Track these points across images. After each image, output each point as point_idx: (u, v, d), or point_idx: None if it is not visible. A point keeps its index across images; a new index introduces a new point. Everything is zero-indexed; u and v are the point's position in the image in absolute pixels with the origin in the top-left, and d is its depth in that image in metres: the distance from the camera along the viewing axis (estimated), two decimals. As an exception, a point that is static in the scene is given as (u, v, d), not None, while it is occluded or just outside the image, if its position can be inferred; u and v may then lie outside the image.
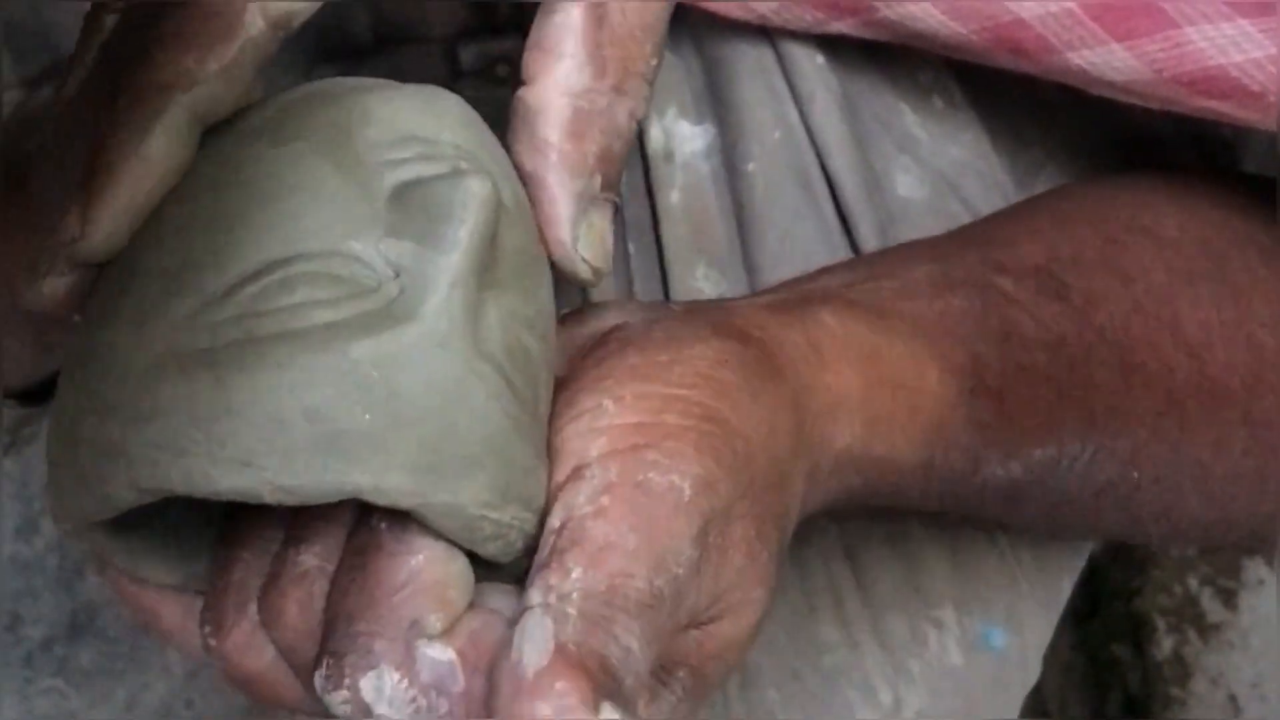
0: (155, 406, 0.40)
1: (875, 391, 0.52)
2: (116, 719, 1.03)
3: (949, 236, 0.62)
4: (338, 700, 0.41)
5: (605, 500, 0.42)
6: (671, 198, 0.67)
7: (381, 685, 0.40)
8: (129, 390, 0.41)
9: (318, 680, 0.41)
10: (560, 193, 0.45)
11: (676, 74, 0.67)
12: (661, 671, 0.44)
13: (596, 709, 0.38)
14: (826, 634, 0.68)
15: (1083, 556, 0.75)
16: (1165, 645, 1.24)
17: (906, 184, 0.70)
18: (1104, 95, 0.63)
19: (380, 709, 0.40)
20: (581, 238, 0.46)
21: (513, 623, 0.42)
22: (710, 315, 0.49)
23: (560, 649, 0.39)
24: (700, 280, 0.68)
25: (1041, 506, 0.60)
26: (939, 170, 0.70)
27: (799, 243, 0.69)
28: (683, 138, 0.67)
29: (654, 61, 0.48)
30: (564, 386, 0.45)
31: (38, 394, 1.03)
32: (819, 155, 0.69)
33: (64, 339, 0.99)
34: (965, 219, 0.70)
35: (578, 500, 0.42)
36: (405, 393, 0.40)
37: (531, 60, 0.47)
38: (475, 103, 0.47)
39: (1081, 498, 0.59)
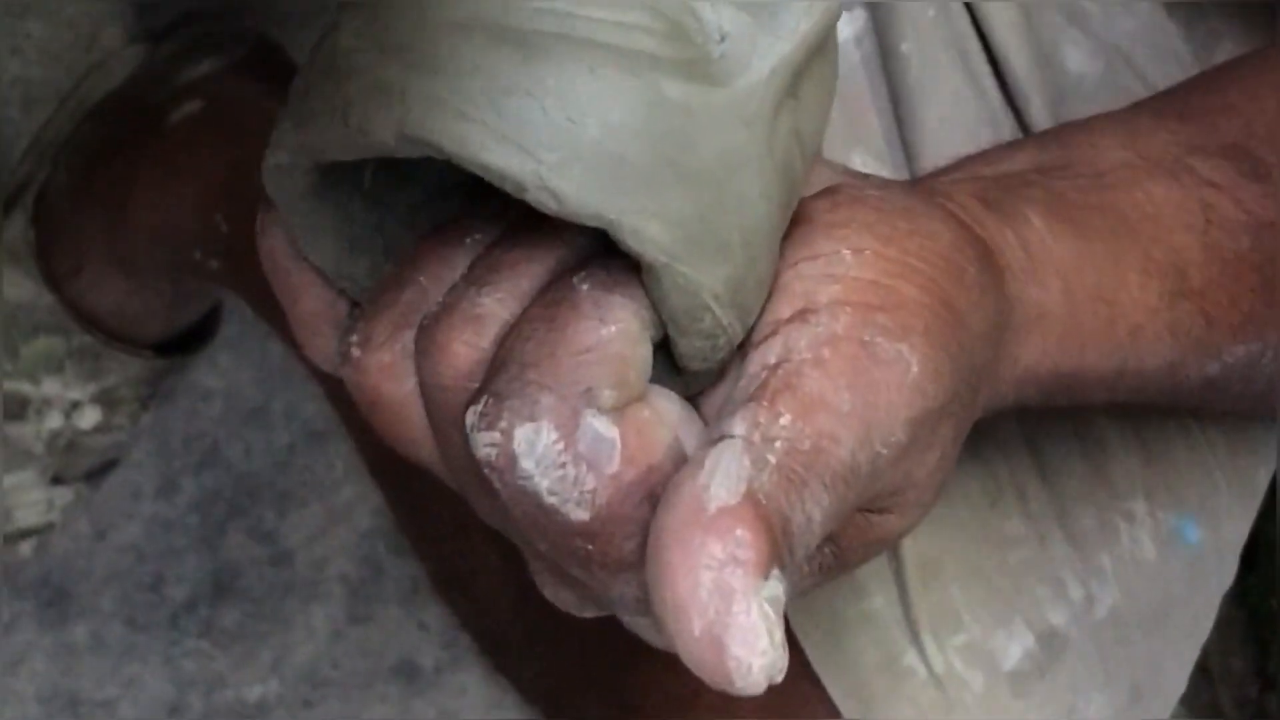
0: (449, 62, 0.39)
1: (1075, 306, 0.49)
2: (263, 680, 1.02)
3: (1135, 112, 0.59)
4: (484, 441, 0.38)
5: (827, 352, 0.39)
6: None
7: (536, 441, 0.38)
8: (424, 38, 0.39)
9: (470, 416, 0.39)
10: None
11: None
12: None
13: (766, 574, 0.36)
14: (1011, 528, 0.66)
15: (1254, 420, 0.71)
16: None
17: (1077, 59, 0.67)
18: None
19: (526, 463, 0.38)
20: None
21: (681, 428, 0.40)
22: (932, 196, 0.47)
23: (750, 495, 0.37)
24: (857, 169, 0.65)
25: (1238, 400, 0.57)
26: (1111, 43, 0.67)
27: (960, 125, 0.66)
28: None
29: None
30: (794, 224, 0.43)
31: (174, 346, 1.03)
32: (980, 31, 0.67)
33: (199, 290, 0.99)
34: (1142, 94, 0.66)
35: (799, 344, 0.40)
36: (697, 150, 0.39)
37: None
38: None
39: None
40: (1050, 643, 0.66)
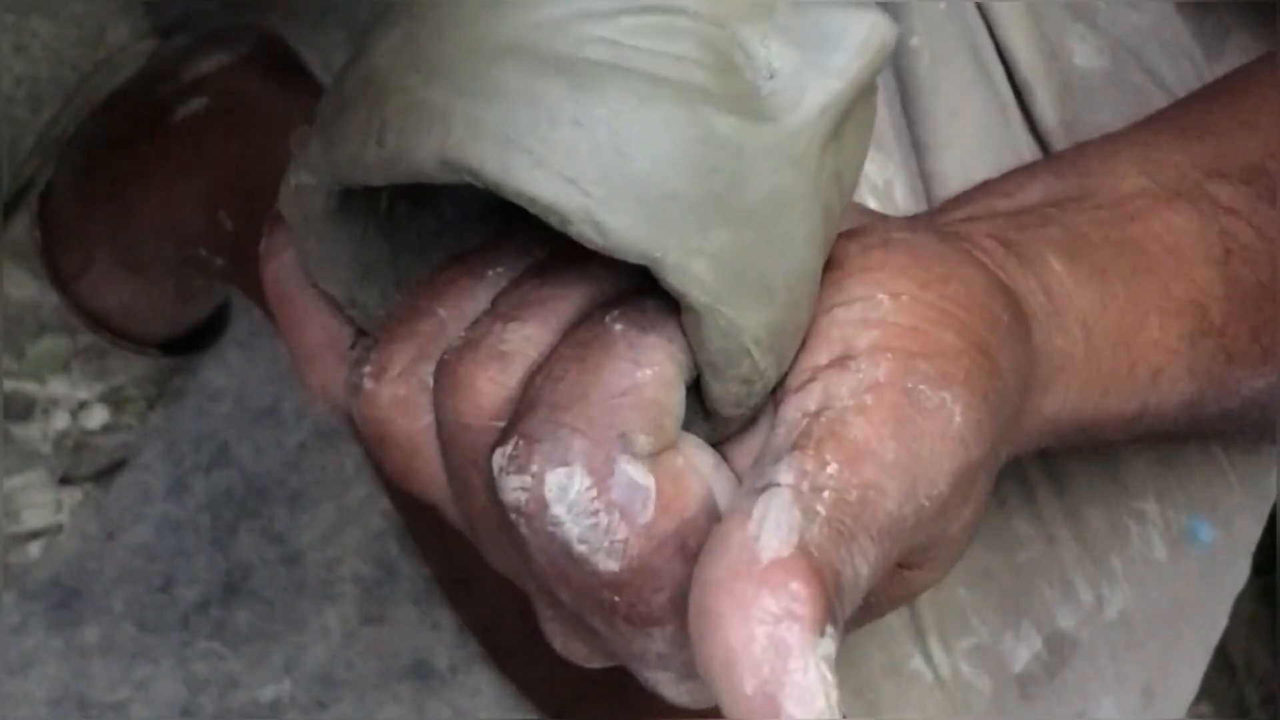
0: (496, 89, 0.37)
1: (1097, 352, 0.48)
2: (276, 681, 1.02)
3: (1152, 129, 0.58)
4: (513, 485, 0.37)
5: (870, 399, 0.38)
6: None
7: (568, 486, 0.37)
8: (468, 62, 0.38)
9: (498, 458, 0.37)
10: None
11: None
12: None
13: (821, 631, 0.35)
14: (1019, 528, 0.65)
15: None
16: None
17: (1084, 53, 0.66)
18: None
19: (557, 509, 0.37)
20: None
21: (713, 479, 0.39)
22: (956, 240, 0.46)
23: (803, 547, 0.35)
24: (866, 163, 0.64)
25: (1257, 428, 0.57)
26: (1119, 38, 0.66)
27: (970, 119, 0.66)
28: None
29: None
30: (825, 268, 0.41)
31: (182, 345, 1.02)
32: (989, 25, 0.66)
33: (205, 287, 0.98)
34: (1150, 90, 0.66)
35: (841, 390, 0.39)
36: (745, 189, 0.38)
37: None
38: None
39: None
40: (1059, 645, 0.65)
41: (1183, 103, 0.61)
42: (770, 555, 0.35)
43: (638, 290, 0.40)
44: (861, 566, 0.37)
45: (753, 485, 0.37)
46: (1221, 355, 0.52)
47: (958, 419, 0.39)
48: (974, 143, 0.64)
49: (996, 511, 0.65)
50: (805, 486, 0.37)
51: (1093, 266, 0.49)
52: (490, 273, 0.41)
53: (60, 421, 0.97)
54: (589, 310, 0.40)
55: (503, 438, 0.38)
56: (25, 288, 0.95)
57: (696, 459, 0.39)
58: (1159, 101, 0.66)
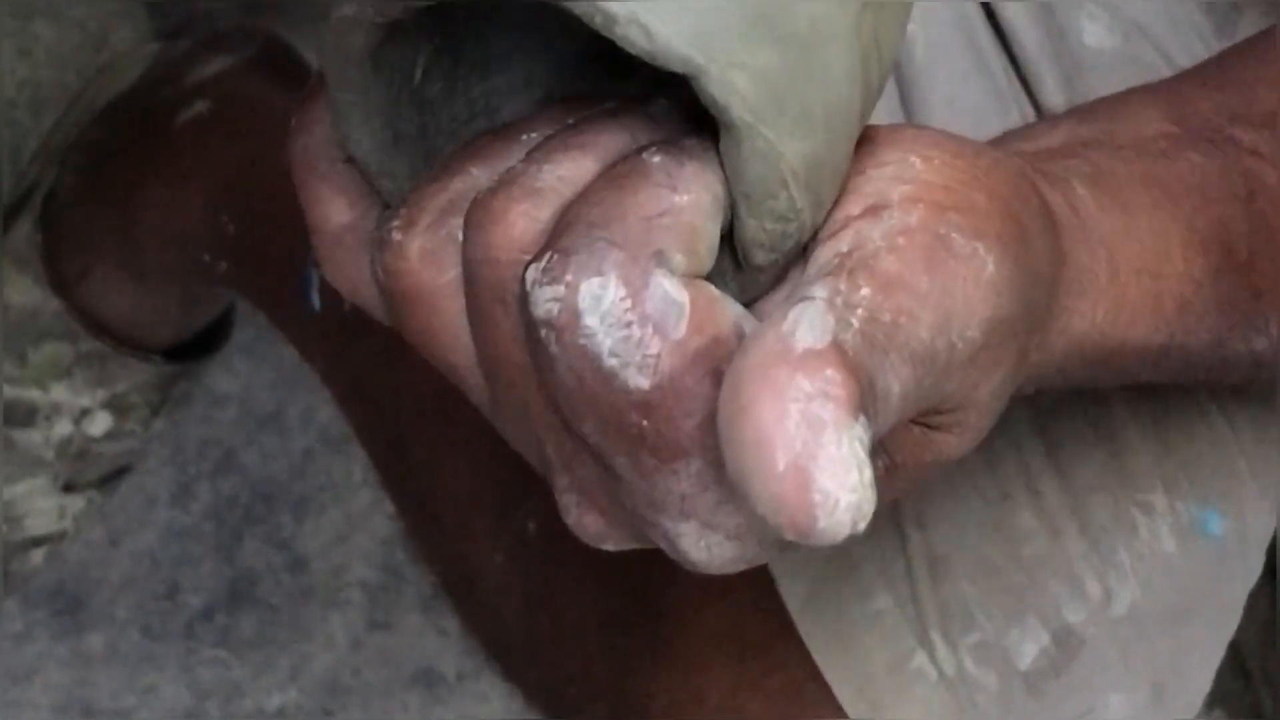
0: None
1: (1121, 278, 0.48)
2: (282, 689, 1.01)
3: (1176, 82, 0.58)
4: (546, 296, 0.36)
5: (901, 240, 0.38)
6: None
7: (603, 296, 0.36)
8: None
9: (531, 272, 0.37)
10: None
11: None
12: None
13: (856, 415, 0.34)
14: (1024, 522, 0.63)
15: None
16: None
17: (1095, 33, 0.66)
18: None
19: (589, 319, 0.36)
20: None
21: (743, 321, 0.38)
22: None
23: (838, 344, 0.35)
24: None
25: None
26: (1130, 16, 0.66)
27: (968, 107, 0.65)
28: None
29: None
30: (859, 143, 0.41)
31: (185, 351, 1.02)
32: (989, 9, 0.65)
33: (209, 293, 0.98)
34: (1161, 69, 0.65)
35: (873, 234, 0.38)
36: (792, 10, 0.38)
37: None
38: None
39: None
40: (1066, 641, 0.64)
41: (1206, 61, 0.60)
42: (805, 346, 0.34)
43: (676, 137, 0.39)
44: (894, 384, 0.36)
45: (785, 302, 0.37)
46: (1247, 291, 0.52)
47: (990, 268, 0.38)
48: (971, 130, 0.63)
49: (1000, 504, 0.64)
50: (839, 301, 0.36)
51: (1116, 197, 0.49)
52: (525, 137, 0.41)
53: (63, 428, 0.96)
54: (625, 154, 0.39)
55: (537, 256, 0.37)
56: (27, 293, 0.95)
57: (726, 299, 0.38)
58: (1170, 80, 0.66)
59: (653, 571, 0.67)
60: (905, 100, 0.65)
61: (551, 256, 0.36)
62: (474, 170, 0.40)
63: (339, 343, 0.84)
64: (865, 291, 0.37)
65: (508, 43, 0.46)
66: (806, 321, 0.35)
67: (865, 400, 0.34)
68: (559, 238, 0.37)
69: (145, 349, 0.97)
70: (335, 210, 0.43)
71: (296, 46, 0.99)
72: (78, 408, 0.96)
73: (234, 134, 0.92)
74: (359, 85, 0.42)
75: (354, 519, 1.04)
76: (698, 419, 0.36)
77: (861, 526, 0.34)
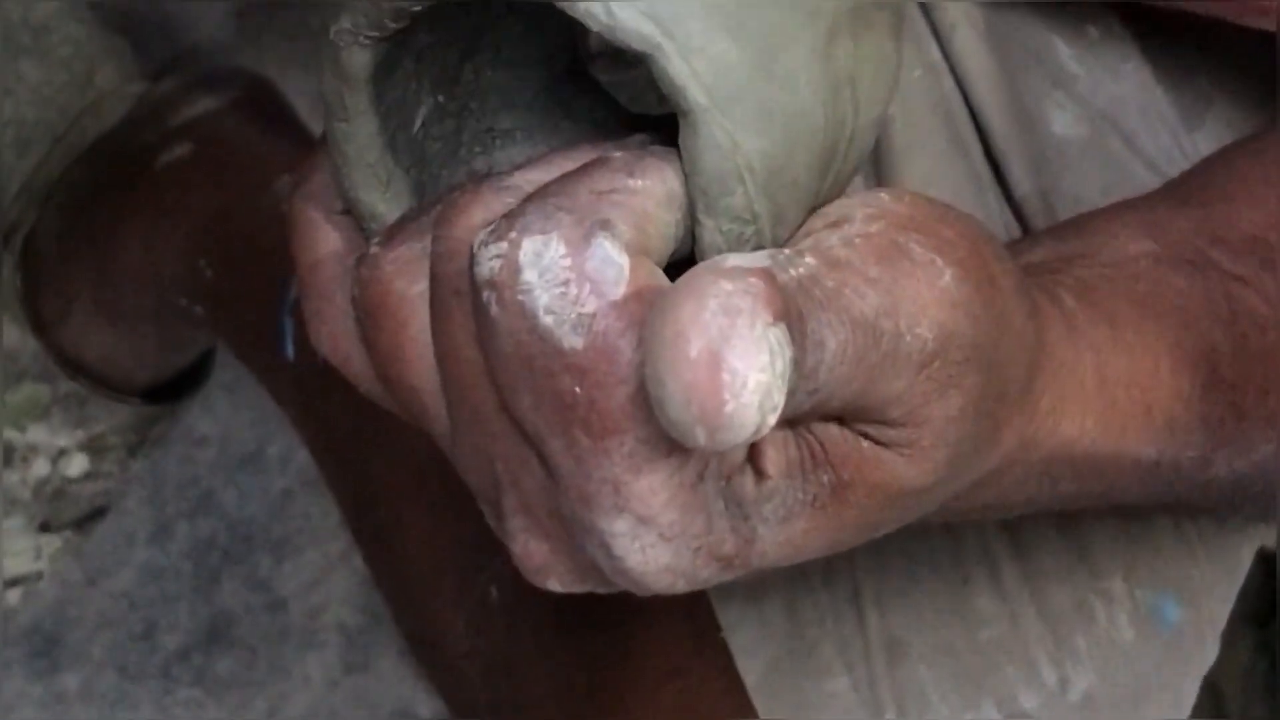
0: None
1: (1109, 388, 0.48)
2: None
3: (1153, 201, 0.58)
4: (489, 255, 0.37)
5: (859, 240, 0.38)
6: None
7: (544, 252, 0.36)
8: None
9: (480, 237, 0.37)
10: None
11: None
12: (809, 461, 0.39)
13: (776, 318, 0.34)
14: (982, 606, 0.63)
15: (1268, 522, 0.69)
16: (1350, 646, 1.18)
17: (1062, 122, 0.66)
18: (1254, 25, 0.59)
19: (528, 274, 0.36)
20: None
21: None
22: None
23: (769, 269, 0.35)
24: None
25: (1265, 496, 0.56)
26: (1098, 106, 0.66)
27: (944, 188, 0.65)
28: None
29: None
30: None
31: (163, 392, 1.02)
32: (964, 92, 0.65)
33: (188, 335, 0.98)
34: (1129, 159, 0.65)
35: (830, 239, 0.38)
36: (755, 9, 0.39)
37: None
38: None
39: None
40: (1021, 726, 0.64)
41: (1181, 177, 0.60)
42: (735, 263, 0.35)
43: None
44: (829, 338, 0.36)
45: None
46: (1233, 411, 0.52)
47: (947, 278, 0.38)
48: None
49: (960, 587, 0.64)
50: (781, 258, 0.37)
51: (1103, 310, 0.49)
52: (510, 182, 0.41)
53: (40, 468, 0.96)
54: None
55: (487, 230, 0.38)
56: (5, 334, 0.95)
57: None
58: (1137, 170, 0.66)
59: (612, 648, 0.67)
60: (882, 180, 0.65)
61: (500, 222, 0.37)
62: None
63: (312, 393, 0.84)
64: (810, 261, 0.37)
65: (512, 115, 0.47)
66: (738, 256, 0.36)
67: (791, 320, 0.35)
68: (509, 213, 0.37)
69: (123, 390, 0.97)
70: (325, 266, 0.43)
71: (283, 88, 1.00)
72: (55, 448, 0.96)
73: (214, 179, 0.92)
74: (356, 112, 0.43)
75: (332, 560, 1.05)
76: (631, 387, 0.36)
77: (771, 420, 0.34)
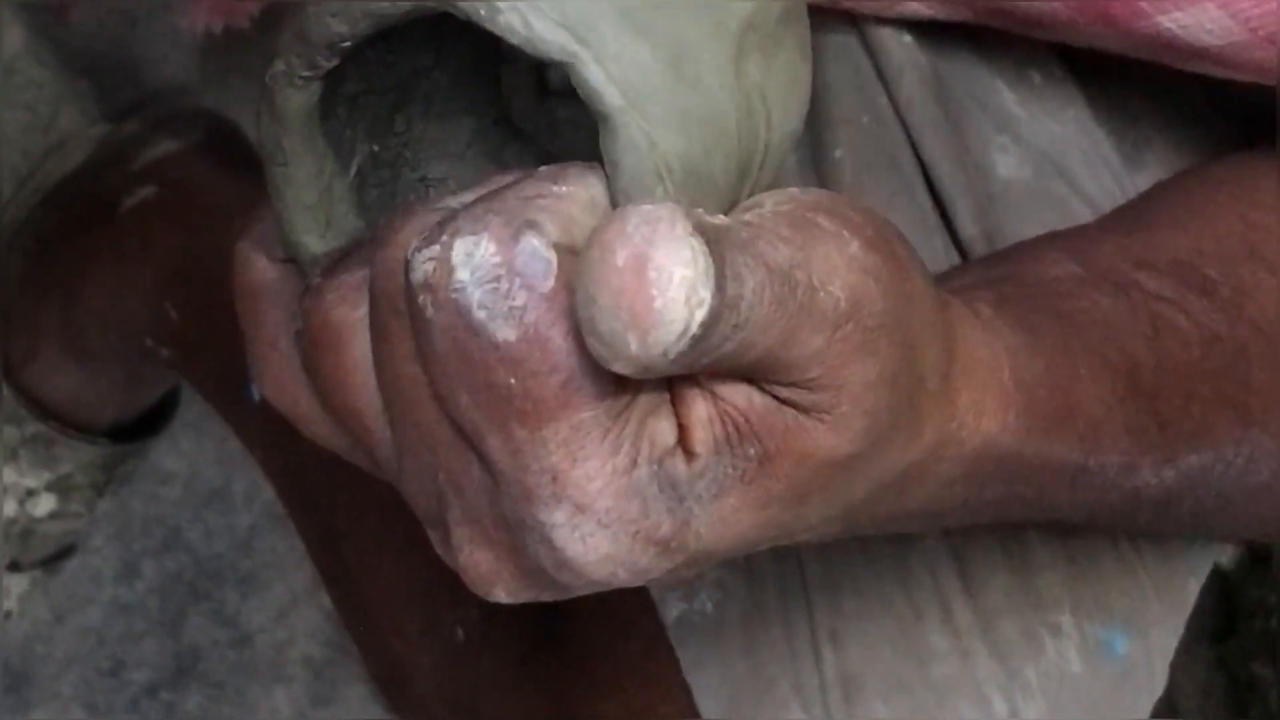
0: None
1: (1030, 387, 0.49)
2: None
3: (1083, 229, 0.59)
4: (424, 259, 0.38)
5: (769, 213, 0.40)
6: None
7: (474, 251, 0.38)
8: None
9: (414, 245, 0.39)
10: None
11: None
12: (735, 435, 0.40)
13: (694, 233, 0.36)
14: (935, 642, 0.65)
15: (1210, 555, 0.70)
16: (1304, 663, 1.20)
17: (1006, 165, 0.67)
18: (1195, 70, 0.60)
19: (461, 274, 0.38)
20: None
21: None
22: None
23: (683, 206, 0.37)
24: None
25: (1194, 512, 0.56)
26: (1040, 149, 0.67)
27: None
28: None
29: None
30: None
31: (130, 431, 1.02)
32: (910, 137, 0.66)
33: (154, 374, 0.99)
34: (1071, 200, 0.67)
35: (743, 216, 0.40)
36: (665, 11, 0.40)
37: None
38: None
39: (1236, 501, 0.56)
40: (973, 760, 0.65)
41: (1114, 210, 0.61)
42: (652, 206, 0.37)
43: None
44: (747, 277, 0.37)
45: None
46: (1154, 419, 0.53)
47: (855, 248, 0.40)
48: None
49: (913, 624, 0.65)
50: (696, 211, 0.38)
51: (1022, 321, 0.50)
52: (442, 204, 0.42)
53: (8, 509, 0.97)
54: None
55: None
56: (-27, 376, 0.96)
57: None
58: (1080, 211, 0.67)
59: (575, 689, 0.68)
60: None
61: (434, 229, 0.39)
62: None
63: (278, 434, 0.85)
64: (724, 218, 0.39)
65: (444, 164, 0.48)
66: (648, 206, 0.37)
67: (709, 240, 0.36)
68: (444, 218, 0.39)
69: (90, 430, 0.98)
70: (269, 321, 0.44)
71: (247, 130, 1.00)
72: (23, 489, 0.97)
73: (178, 221, 0.92)
74: (294, 155, 0.44)
75: (298, 595, 1.05)
76: (563, 375, 0.38)
77: (699, 317, 0.36)
